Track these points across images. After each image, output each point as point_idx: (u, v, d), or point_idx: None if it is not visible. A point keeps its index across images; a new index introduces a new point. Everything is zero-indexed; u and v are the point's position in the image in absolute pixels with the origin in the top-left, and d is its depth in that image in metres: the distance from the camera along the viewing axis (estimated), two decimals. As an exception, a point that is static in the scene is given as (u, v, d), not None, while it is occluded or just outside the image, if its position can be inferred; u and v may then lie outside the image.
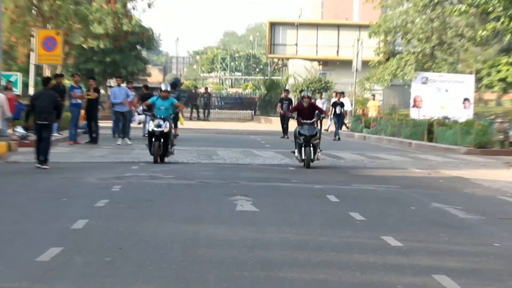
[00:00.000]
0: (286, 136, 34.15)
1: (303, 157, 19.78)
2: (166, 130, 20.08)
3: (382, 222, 11.76)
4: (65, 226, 10.66)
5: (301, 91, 39.06)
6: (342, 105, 35.76)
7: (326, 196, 14.48)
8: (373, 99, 43.43)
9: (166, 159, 20.58)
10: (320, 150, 20.47)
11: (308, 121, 19.98)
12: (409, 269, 8.43)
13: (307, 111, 20.21)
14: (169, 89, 21.45)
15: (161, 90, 21.36)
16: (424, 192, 15.85)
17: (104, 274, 7.92)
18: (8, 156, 20.75)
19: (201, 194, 14.63)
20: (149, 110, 21.36)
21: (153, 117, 20.43)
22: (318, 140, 20.00)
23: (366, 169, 21.08)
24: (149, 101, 21.50)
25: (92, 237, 9.96)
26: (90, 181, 16.24)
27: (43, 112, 18.70)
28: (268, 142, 31.00)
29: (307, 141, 19.73)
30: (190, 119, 54.65)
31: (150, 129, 20.20)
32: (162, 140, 20.16)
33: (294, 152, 20.36)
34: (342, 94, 39.47)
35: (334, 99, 37.11)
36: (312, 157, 19.80)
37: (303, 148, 19.81)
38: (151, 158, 20.23)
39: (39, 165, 18.76)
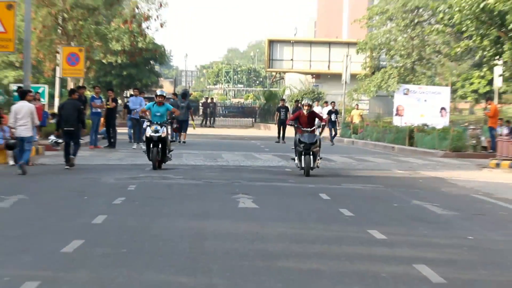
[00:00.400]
0: (283, 141, 34.12)
1: (303, 165, 18.13)
2: (163, 135, 18.61)
3: (369, 218, 11.74)
4: (86, 221, 10.65)
5: (296, 101, 39.17)
6: (336, 113, 35.84)
7: (318, 195, 14.46)
8: (357, 109, 43.54)
9: (163, 165, 19.08)
10: (320, 158, 18.76)
11: (308, 129, 18.40)
12: (392, 259, 8.42)
13: (307, 119, 18.62)
14: (164, 94, 19.73)
15: (156, 95, 19.64)
16: (405, 191, 15.83)
17: (121, 264, 7.91)
18: (36, 159, 20.72)
19: (207, 192, 14.61)
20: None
21: (150, 123, 18.90)
22: (318, 148, 18.24)
23: (354, 170, 21.03)
24: (145, 107, 19.94)
25: (110, 231, 9.95)
26: (109, 181, 16.22)
27: (68, 120, 19.05)
28: (267, 146, 30.97)
29: (307, 149, 18.01)
30: (201, 125, 54.71)
31: (148, 135, 18.66)
32: (160, 146, 18.74)
33: (294, 159, 18.66)
34: (326, 103, 39.70)
35: (329, 108, 37.13)
36: (311, 165, 18.08)
37: (303, 156, 18.11)
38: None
39: (67, 167, 18.92)
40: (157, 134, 18.56)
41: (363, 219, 11.52)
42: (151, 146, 18.65)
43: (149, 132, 18.68)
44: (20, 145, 17.78)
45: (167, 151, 19.08)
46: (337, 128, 36.28)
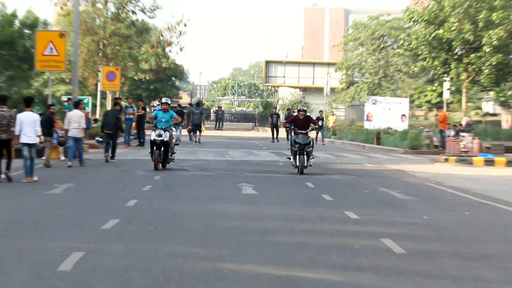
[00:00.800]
0: (277, 141, 34.06)
1: (298, 164, 16.58)
2: (166, 139, 16.72)
3: (345, 201, 11.71)
4: (121, 204, 10.63)
5: (288, 109, 39.07)
6: (322, 119, 35.86)
7: (305, 183, 14.43)
8: (332, 115, 43.56)
9: (167, 166, 17.24)
10: (313, 157, 17.42)
11: (303, 131, 16.92)
12: (364, 234, 8.40)
13: (303, 123, 17.13)
14: (169, 102, 17.67)
15: (162, 103, 17.76)
16: (374, 180, 15.80)
17: (149, 238, 7.89)
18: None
19: (217, 182, 14.57)
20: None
21: (155, 128, 17.03)
22: (311, 148, 16.70)
23: (334, 164, 20.99)
24: (152, 114, 17.69)
25: (140, 212, 9.92)
26: (139, 173, 16.19)
27: (108, 125, 19.67)
28: (264, 145, 30.92)
29: (302, 149, 16.50)
30: (215, 128, 55.00)
31: (152, 138, 16.78)
32: (162, 149, 16.81)
33: (290, 158, 17.19)
34: (305, 111, 39.43)
35: (317, 115, 37.09)
36: (305, 164, 16.54)
37: (297, 156, 16.59)
38: (181, 156, 19.60)
39: (107, 160, 19.28)
40: (160, 138, 16.71)
41: (341, 203, 11.49)
42: (155, 148, 16.83)
43: (153, 136, 16.84)
44: (72, 144, 17.96)
45: (170, 154, 17.26)
46: (323, 131, 36.31)
